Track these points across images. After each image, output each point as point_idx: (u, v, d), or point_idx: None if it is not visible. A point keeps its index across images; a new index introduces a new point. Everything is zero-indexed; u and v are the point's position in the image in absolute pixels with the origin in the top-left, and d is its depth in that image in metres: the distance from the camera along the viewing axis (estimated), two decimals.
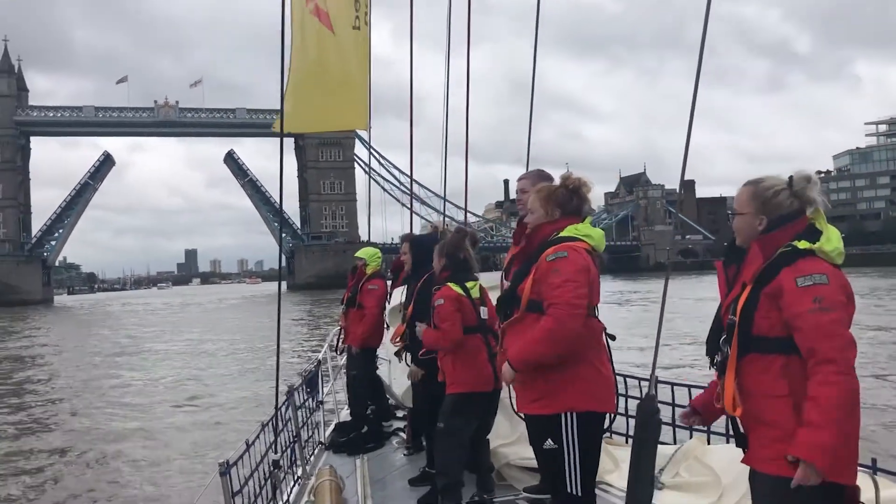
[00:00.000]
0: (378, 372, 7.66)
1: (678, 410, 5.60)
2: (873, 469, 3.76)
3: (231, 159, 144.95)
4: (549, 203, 3.90)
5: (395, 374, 7.20)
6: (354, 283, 7.53)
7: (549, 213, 3.90)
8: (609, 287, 74.01)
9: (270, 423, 5.42)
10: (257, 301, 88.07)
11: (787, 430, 2.73)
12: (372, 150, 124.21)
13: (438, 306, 5.12)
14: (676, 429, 5.61)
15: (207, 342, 36.85)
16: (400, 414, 7.70)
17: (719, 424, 4.94)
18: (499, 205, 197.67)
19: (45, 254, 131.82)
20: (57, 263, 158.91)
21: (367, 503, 5.43)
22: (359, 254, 7.67)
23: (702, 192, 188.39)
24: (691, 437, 5.37)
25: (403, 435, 7.10)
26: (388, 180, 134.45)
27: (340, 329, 7.93)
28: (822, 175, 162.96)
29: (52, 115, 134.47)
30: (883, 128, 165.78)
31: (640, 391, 5.09)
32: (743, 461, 2.93)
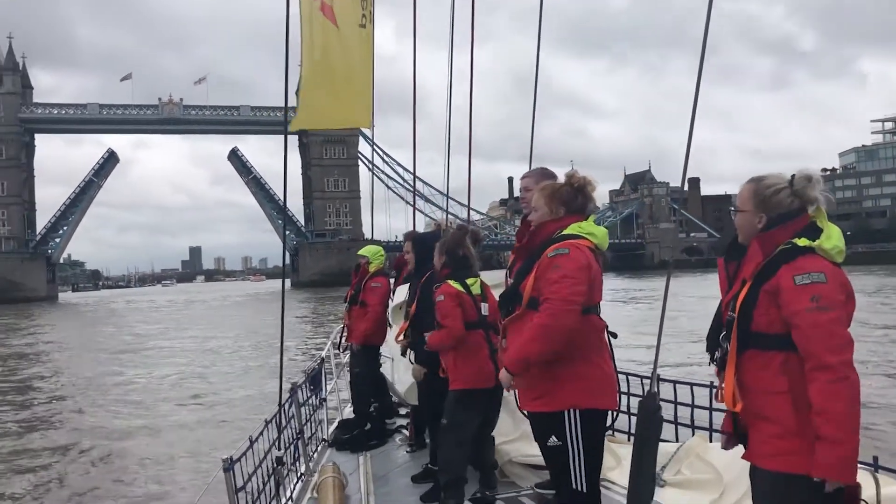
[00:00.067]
0: (381, 369, 7.68)
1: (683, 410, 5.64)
2: (875, 467, 3.77)
3: (235, 157, 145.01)
4: (554, 201, 3.91)
5: (398, 371, 7.22)
6: (357, 281, 7.55)
7: (554, 211, 3.91)
8: (613, 285, 74.05)
9: (274, 420, 5.44)
10: (261, 298, 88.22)
11: (786, 426, 2.75)
12: (376, 148, 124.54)
13: (439, 303, 5.15)
14: (678, 426, 5.64)
15: (212, 339, 36.91)
16: (403, 411, 7.72)
17: (721, 422, 4.97)
18: (503, 202, 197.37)
19: (50, 251, 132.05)
20: (61, 261, 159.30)
21: (369, 500, 5.45)
22: (362, 252, 7.68)
23: (706, 189, 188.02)
24: (693, 434, 5.39)
25: (406, 432, 7.11)
26: (391, 178, 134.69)
27: (344, 327, 7.95)
28: (828, 172, 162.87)
29: (56, 112, 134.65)
30: (889, 125, 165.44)
31: (643, 389, 5.11)
32: (743, 457, 2.95)
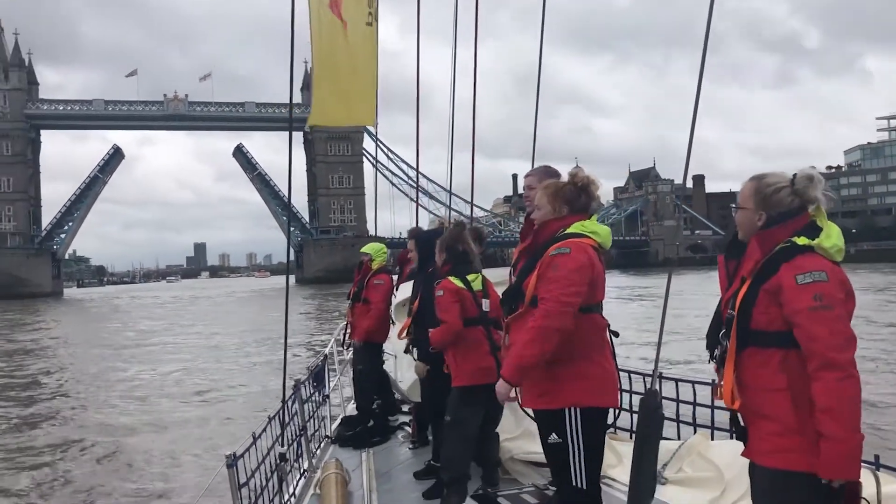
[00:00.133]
0: (384, 366, 7.70)
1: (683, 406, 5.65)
2: (876, 465, 3.78)
3: (240, 153, 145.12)
4: (557, 200, 3.92)
5: (401, 368, 7.24)
6: (360, 278, 7.57)
7: (557, 210, 3.91)
8: (618, 282, 73.98)
9: (277, 417, 5.46)
10: (266, 295, 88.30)
11: (786, 423, 2.76)
12: (380, 145, 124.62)
13: (438, 298, 5.18)
14: (680, 424, 5.65)
15: (216, 336, 36.97)
16: (406, 408, 7.73)
17: (723, 420, 4.98)
18: (507, 199, 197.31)
19: (55, 247, 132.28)
20: (66, 256, 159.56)
21: (372, 496, 5.46)
22: (364, 249, 7.70)
23: (711, 187, 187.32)
24: (695, 432, 5.40)
25: (409, 429, 7.13)
26: (396, 174, 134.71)
27: (347, 324, 7.97)
28: (833, 170, 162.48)
29: (61, 108, 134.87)
30: (894, 123, 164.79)
31: (645, 387, 5.11)
32: (743, 454, 2.96)
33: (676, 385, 5.60)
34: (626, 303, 45.73)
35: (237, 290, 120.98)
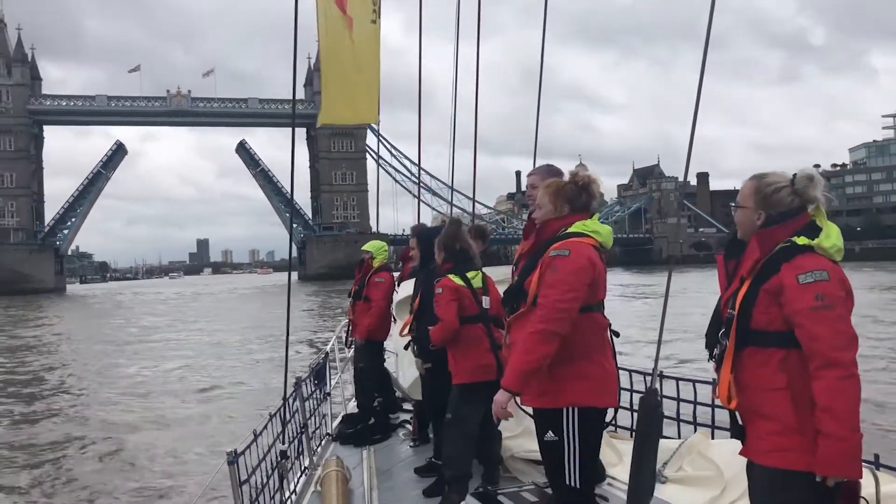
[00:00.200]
0: (385, 364, 7.70)
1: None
2: (876, 464, 3.78)
3: (243, 149, 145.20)
4: (558, 199, 3.92)
5: (402, 366, 7.24)
6: (361, 276, 7.57)
7: (558, 209, 3.91)
8: (622, 280, 73.98)
9: (278, 414, 5.47)
10: (269, 291, 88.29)
11: (785, 423, 2.76)
12: (383, 141, 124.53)
13: (437, 295, 5.19)
14: (681, 423, 5.66)
15: (219, 332, 37.00)
16: (407, 406, 7.74)
17: (723, 419, 4.98)
18: (510, 196, 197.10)
19: (58, 243, 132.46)
20: (69, 252, 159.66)
21: (373, 494, 5.47)
22: (365, 247, 7.70)
23: (716, 184, 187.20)
24: (695, 431, 5.40)
25: (410, 427, 7.14)
26: (399, 171, 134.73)
27: (349, 322, 7.97)
28: (838, 168, 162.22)
29: (64, 104, 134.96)
30: None
31: (646, 385, 5.12)
32: (741, 453, 2.97)
33: (677, 384, 5.61)
34: (630, 301, 45.70)
35: (240, 286, 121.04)
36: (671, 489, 4.71)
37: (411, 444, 6.80)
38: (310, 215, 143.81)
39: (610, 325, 3.93)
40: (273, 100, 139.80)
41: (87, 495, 10.91)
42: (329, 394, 7.78)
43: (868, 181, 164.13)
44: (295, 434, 6.03)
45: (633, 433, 4.92)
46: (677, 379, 5.65)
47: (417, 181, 16.58)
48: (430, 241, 6.02)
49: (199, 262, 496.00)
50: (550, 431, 3.71)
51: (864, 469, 3.39)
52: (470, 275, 5.27)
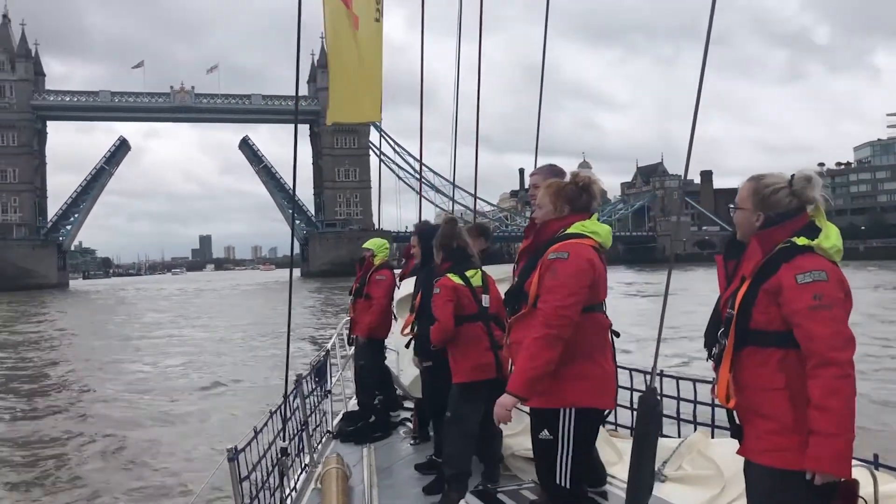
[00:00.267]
0: (386, 362, 7.71)
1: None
2: (875, 464, 3.78)
3: (246, 145, 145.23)
4: (559, 199, 3.93)
5: (403, 364, 7.25)
6: (362, 274, 7.58)
7: (558, 209, 3.92)
8: (626, 278, 73.88)
9: (279, 411, 5.48)
10: (271, 288, 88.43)
11: (783, 422, 2.78)
12: (387, 137, 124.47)
13: (434, 295, 5.19)
14: (681, 422, 5.66)
15: (221, 329, 37.04)
16: (407, 404, 7.75)
17: (723, 418, 4.98)
18: (513, 194, 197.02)
19: (61, 238, 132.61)
20: (72, 248, 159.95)
21: (373, 491, 5.48)
22: (366, 245, 7.71)
23: (720, 182, 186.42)
24: (695, 430, 5.40)
25: (410, 425, 7.15)
26: (402, 168, 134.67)
27: (350, 319, 7.98)
28: (843, 167, 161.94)
29: (68, 99, 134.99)
30: None
31: (646, 384, 5.12)
32: (738, 452, 2.98)
33: (677, 383, 5.61)
34: (633, 299, 45.64)
35: (242, 282, 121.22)
36: (670, 488, 4.71)
37: (412, 441, 6.81)
38: (313, 212, 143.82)
39: (611, 325, 3.93)
40: (276, 96, 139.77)
41: (88, 492, 10.92)
42: (330, 391, 7.79)
43: (872, 180, 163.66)
44: (295, 431, 6.04)
45: (633, 432, 4.92)
46: (677, 378, 5.66)
47: (419, 178, 16.56)
48: (431, 238, 6.02)
49: (201, 258, 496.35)
50: (546, 430, 3.72)
51: (862, 469, 3.41)
52: (469, 273, 5.27)
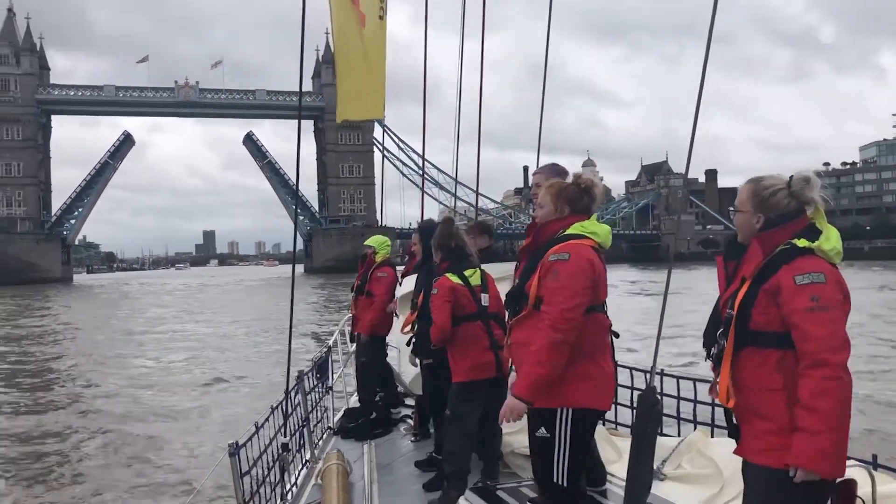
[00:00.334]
0: (388, 359, 7.73)
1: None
2: (874, 465, 3.79)
3: (250, 141, 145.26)
4: (560, 199, 3.94)
5: (405, 361, 7.26)
6: (364, 271, 7.60)
7: (559, 210, 3.93)
8: (630, 277, 73.83)
9: (280, 407, 5.50)
10: (274, 283, 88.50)
11: (780, 423, 2.79)
12: (391, 134, 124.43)
13: (432, 296, 5.19)
14: (681, 421, 5.67)
15: (224, 324, 37.09)
16: (408, 401, 7.77)
17: (723, 418, 4.98)
18: (517, 191, 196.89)
19: (65, 232, 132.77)
20: (76, 242, 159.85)
21: (373, 488, 5.49)
22: (368, 242, 7.73)
23: (724, 181, 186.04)
24: (695, 429, 5.41)
25: (411, 422, 7.17)
26: (406, 165, 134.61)
27: (352, 316, 8.00)
28: (848, 167, 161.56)
29: (72, 93, 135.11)
30: None
31: (646, 383, 5.14)
32: (735, 452, 2.99)
33: (678, 382, 5.62)
34: (637, 297, 45.57)
35: (246, 278, 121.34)
36: (669, 486, 4.72)
37: (412, 438, 6.82)
38: (316, 208, 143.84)
39: (611, 325, 3.95)
40: (280, 92, 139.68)
41: (91, 488, 10.95)
42: (331, 388, 7.81)
43: (878, 180, 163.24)
44: (297, 427, 6.05)
45: (633, 430, 4.93)
46: (678, 377, 5.67)
47: (422, 174, 16.57)
48: (432, 236, 6.03)
49: (205, 253, 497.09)
50: (543, 428, 3.74)
51: (860, 469, 3.43)
52: (468, 273, 5.27)
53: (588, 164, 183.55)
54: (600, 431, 5.04)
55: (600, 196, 4.06)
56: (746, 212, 3.02)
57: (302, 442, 6.26)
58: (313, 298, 53.83)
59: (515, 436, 5.51)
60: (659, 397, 4.43)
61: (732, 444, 3.07)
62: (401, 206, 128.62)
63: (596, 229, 3.89)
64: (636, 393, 5.54)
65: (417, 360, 6.01)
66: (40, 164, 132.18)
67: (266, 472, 4.93)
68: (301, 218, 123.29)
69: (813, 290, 2.74)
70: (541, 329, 3.63)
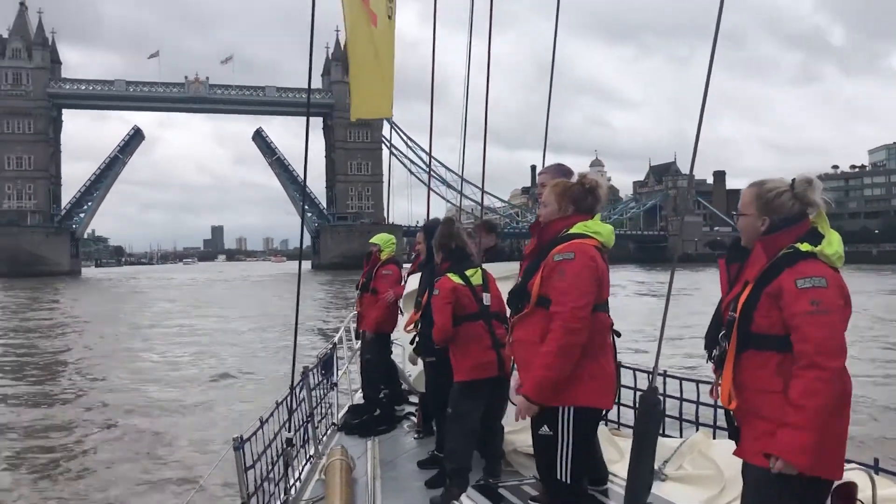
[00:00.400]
0: (392, 357, 7.76)
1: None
2: (875, 469, 3.80)
3: (259, 137, 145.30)
4: (564, 199, 3.96)
5: (409, 359, 7.28)
6: (369, 269, 7.64)
7: (563, 209, 3.95)
8: (638, 277, 73.71)
9: (285, 403, 5.53)
10: (282, 279, 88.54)
11: (780, 425, 2.80)
12: (400, 133, 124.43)
13: (434, 297, 5.21)
14: (683, 423, 5.68)
15: (231, 319, 37.16)
16: (412, 399, 7.79)
17: (725, 419, 5.00)
18: (525, 190, 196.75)
19: (74, 226, 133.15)
20: (85, 236, 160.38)
21: (376, 484, 5.52)
22: (373, 240, 7.78)
23: (732, 183, 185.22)
24: (697, 430, 5.43)
25: (415, 419, 7.20)
26: (414, 163, 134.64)
27: (357, 313, 8.03)
28: (857, 170, 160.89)
29: (83, 88, 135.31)
30: None
31: (649, 384, 5.14)
32: (735, 453, 3.01)
33: (680, 383, 5.63)
34: (645, 299, 45.49)
35: (253, 274, 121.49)
36: (670, 487, 4.74)
37: (415, 436, 6.85)
38: (324, 205, 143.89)
39: (612, 324, 3.97)
40: (290, 88, 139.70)
41: (96, 481, 10.99)
42: (336, 384, 7.85)
43: (887, 183, 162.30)
44: (301, 423, 6.08)
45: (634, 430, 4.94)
46: (681, 378, 5.68)
47: (428, 172, 16.60)
48: None
49: (213, 248, 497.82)
50: (545, 426, 3.76)
51: (861, 472, 3.44)
52: (469, 273, 5.29)
53: (596, 163, 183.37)
54: (602, 431, 5.05)
55: (604, 196, 4.08)
56: (750, 215, 3.04)
57: (306, 437, 6.29)
58: (320, 295, 53.89)
59: (517, 434, 5.53)
60: (660, 398, 4.44)
61: (734, 445, 3.09)
62: (408, 204, 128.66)
63: (599, 229, 3.91)
64: (639, 393, 5.56)
65: (419, 360, 6.02)
66: (51, 157, 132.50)
67: (270, 467, 4.96)
68: (309, 215, 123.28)
69: (814, 294, 2.77)
70: (552, 330, 3.65)
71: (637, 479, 3.58)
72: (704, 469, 4.76)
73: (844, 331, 2.82)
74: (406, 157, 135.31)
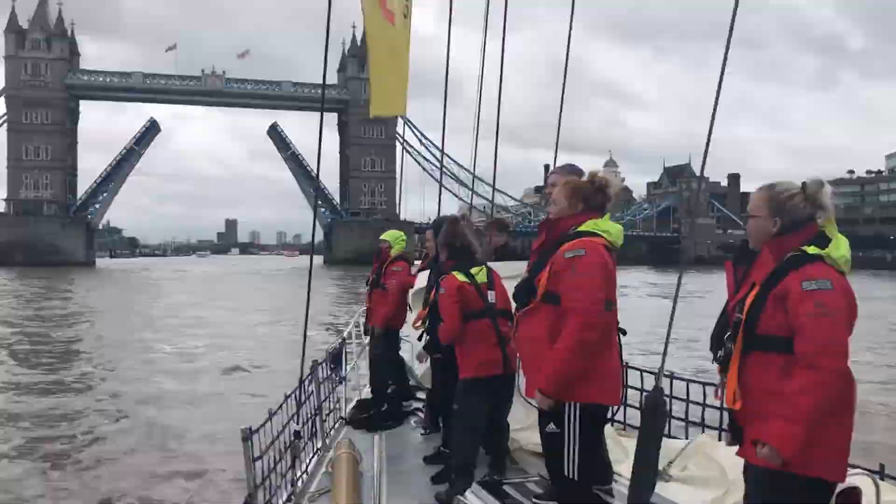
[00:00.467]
0: (401, 353, 7.79)
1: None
2: (881, 475, 3.81)
3: (274, 132, 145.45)
4: (574, 196, 3.98)
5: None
6: (379, 265, 7.67)
7: (572, 206, 3.97)
8: (651, 279, 73.47)
9: (294, 395, 5.57)
10: (295, 273, 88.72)
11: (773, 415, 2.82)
12: (414, 129, 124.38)
13: (440, 296, 5.23)
14: (689, 424, 5.69)
15: (244, 312, 37.26)
16: (420, 394, 7.83)
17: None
18: (537, 189, 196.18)
19: (90, 216, 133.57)
20: (100, 226, 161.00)
21: (382, 478, 5.55)
22: (384, 236, 7.81)
23: (747, 186, 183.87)
24: (703, 432, 5.43)
25: (422, 415, 7.23)
26: (427, 160, 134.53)
27: (367, 309, 8.07)
28: (874, 175, 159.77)
29: (101, 79, 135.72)
30: None
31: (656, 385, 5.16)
32: (738, 454, 3.03)
33: (687, 386, 5.64)
34: (658, 300, 45.30)
35: (266, 267, 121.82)
36: (675, 487, 4.75)
37: (422, 431, 6.89)
38: (338, 200, 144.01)
39: (618, 323, 3.98)
40: (306, 83, 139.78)
41: (106, 472, 11.01)
42: (344, 378, 7.88)
43: None
44: (309, 416, 6.12)
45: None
46: (688, 380, 5.69)
47: (440, 169, 16.66)
48: None
49: (226, 241, 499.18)
50: (552, 423, 3.78)
51: (865, 478, 3.45)
52: (473, 271, 5.31)
53: (610, 164, 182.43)
54: (608, 431, 5.07)
55: (615, 195, 4.09)
56: (762, 216, 3.06)
57: (314, 430, 6.32)
58: (332, 290, 53.96)
59: (523, 432, 5.56)
60: (666, 398, 4.46)
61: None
62: (421, 201, 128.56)
63: (608, 227, 3.93)
64: (645, 394, 5.57)
65: (426, 357, 6.05)
66: (68, 148, 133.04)
67: (278, 459, 4.99)
68: (322, 210, 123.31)
69: (818, 297, 2.78)
70: (568, 325, 3.67)
71: (641, 478, 3.61)
72: (709, 471, 4.77)
73: (848, 335, 2.83)
74: (420, 154, 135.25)
